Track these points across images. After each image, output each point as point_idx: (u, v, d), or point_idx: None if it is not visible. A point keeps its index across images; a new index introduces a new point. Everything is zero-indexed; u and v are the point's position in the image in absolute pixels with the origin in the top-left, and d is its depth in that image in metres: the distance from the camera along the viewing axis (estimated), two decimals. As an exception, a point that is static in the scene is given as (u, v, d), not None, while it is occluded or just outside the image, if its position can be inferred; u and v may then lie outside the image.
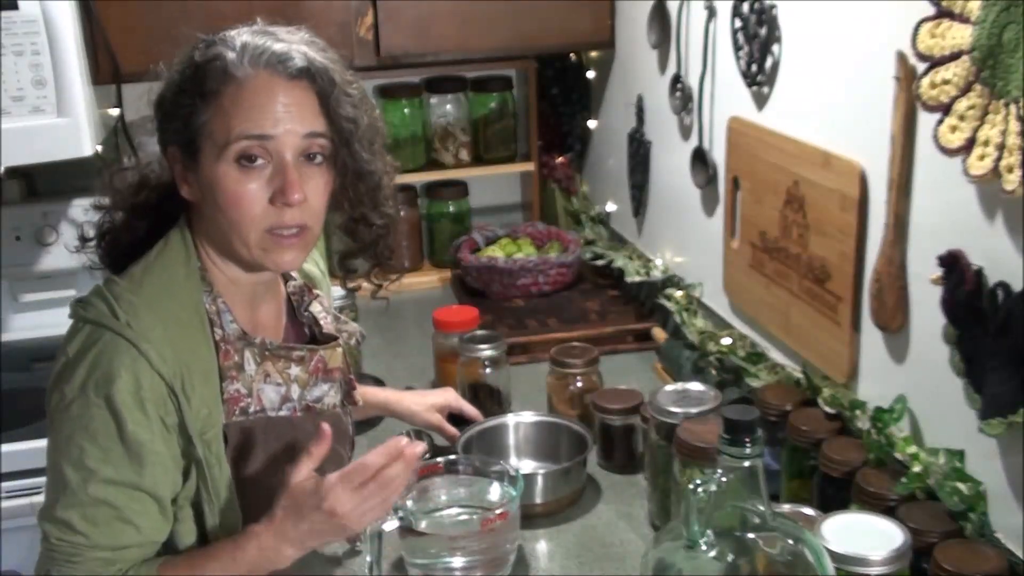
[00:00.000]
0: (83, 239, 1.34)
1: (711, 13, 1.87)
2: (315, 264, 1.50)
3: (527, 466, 1.71)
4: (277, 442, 1.29)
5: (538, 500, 1.59)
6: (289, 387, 1.30)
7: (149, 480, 1.17)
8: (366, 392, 1.73)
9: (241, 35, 1.22)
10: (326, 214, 1.29)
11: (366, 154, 1.27)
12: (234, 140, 1.18)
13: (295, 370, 1.31)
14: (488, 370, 1.87)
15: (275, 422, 1.29)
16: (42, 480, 1.26)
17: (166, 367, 1.16)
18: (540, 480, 1.59)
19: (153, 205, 1.31)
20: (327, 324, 1.40)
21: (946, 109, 1.18)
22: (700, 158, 1.98)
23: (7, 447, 1.85)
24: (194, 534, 1.23)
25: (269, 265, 1.24)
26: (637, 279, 2.28)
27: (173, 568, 1.21)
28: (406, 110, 2.67)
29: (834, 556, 1.13)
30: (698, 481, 1.04)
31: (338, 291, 2.07)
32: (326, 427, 1.22)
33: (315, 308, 1.40)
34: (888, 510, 1.27)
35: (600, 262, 2.49)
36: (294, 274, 1.42)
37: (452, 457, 1.54)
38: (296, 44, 1.23)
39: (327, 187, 1.26)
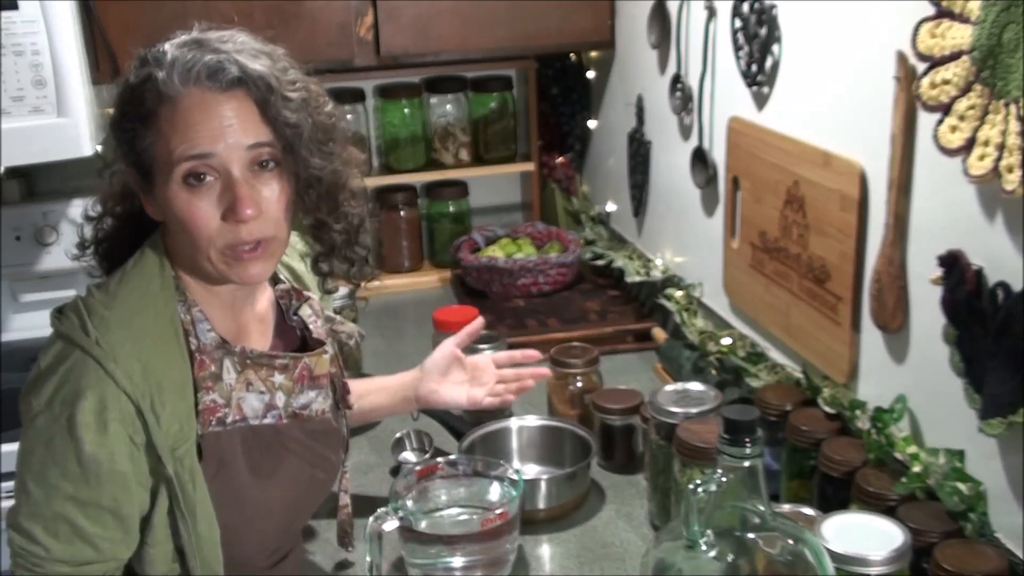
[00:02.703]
0: (81, 246, 1.32)
1: (711, 13, 1.87)
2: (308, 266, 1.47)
3: (530, 470, 1.71)
4: (260, 451, 1.26)
5: (541, 505, 1.58)
6: (273, 395, 1.28)
7: (109, 499, 1.15)
8: (369, 384, 1.68)
9: (172, 49, 1.16)
10: (293, 218, 1.24)
11: (317, 159, 1.20)
12: (176, 162, 1.14)
13: (279, 378, 1.28)
14: (488, 370, 1.87)
15: (258, 431, 1.26)
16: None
17: (133, 386, 1.14)
18: (544, 486, 1.59)
19: (138, 211, 1.27)
20: (316, 328, 1.36)
21: (946, 109, 1.18)
22: (700, 158, 1.98)
23: (7, 447, 1.85)
24: (170, 556, 1.21)
25: (235, 279, 1.21)
26: (637, 279, 2.28)
27: None
28: (406, 110, 2.67)
29: (834, 556, 1.13)
30: (698, 481, 1.04)
31: (339, 291, 2.08)
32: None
33: (304, 312, 1.36)
34: (888, 510, 1.27)
35: (600, 262, 2.49)
36: (283, 275, 1.39)
37: (452, 457, 1.54)
38: (229, 52, 1.16)
39: (283, 192, 1.20)
